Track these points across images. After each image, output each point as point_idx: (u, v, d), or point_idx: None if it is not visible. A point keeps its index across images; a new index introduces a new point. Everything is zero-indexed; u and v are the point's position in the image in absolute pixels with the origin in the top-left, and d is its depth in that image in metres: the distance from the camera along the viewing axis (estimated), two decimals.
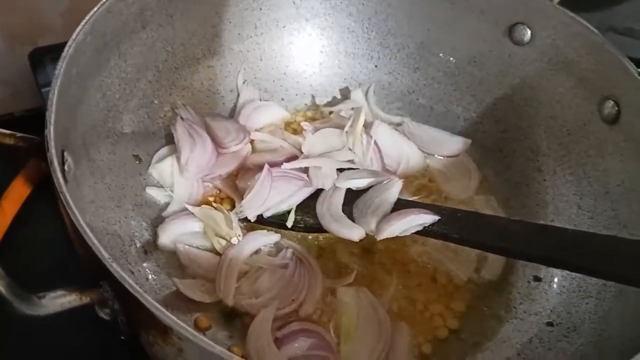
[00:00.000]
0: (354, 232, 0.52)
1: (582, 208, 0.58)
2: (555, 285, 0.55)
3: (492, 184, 0.63)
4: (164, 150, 0.60)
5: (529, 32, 0.61)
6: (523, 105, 0.63)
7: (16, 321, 0.35)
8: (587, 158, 0.58)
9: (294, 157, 0.60)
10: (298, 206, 0.56)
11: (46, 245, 0.59)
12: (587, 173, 0.58)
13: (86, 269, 0.40)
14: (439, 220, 0.51)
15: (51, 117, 0.42)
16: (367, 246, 0.56)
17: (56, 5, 0.72)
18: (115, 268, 0.36)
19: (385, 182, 0.56)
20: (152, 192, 0.57)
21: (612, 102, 0.56)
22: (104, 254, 0.36)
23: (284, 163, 0.57)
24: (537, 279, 0.56)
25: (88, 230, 0.37)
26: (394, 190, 0.54)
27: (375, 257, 0.57)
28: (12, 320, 0.34)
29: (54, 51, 0.70)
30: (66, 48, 0.47)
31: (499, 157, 0.64)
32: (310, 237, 0.57)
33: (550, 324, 0.53)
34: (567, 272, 0.54)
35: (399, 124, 0.67)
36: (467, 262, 0.57)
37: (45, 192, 0.61)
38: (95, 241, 0.36)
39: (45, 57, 0.70)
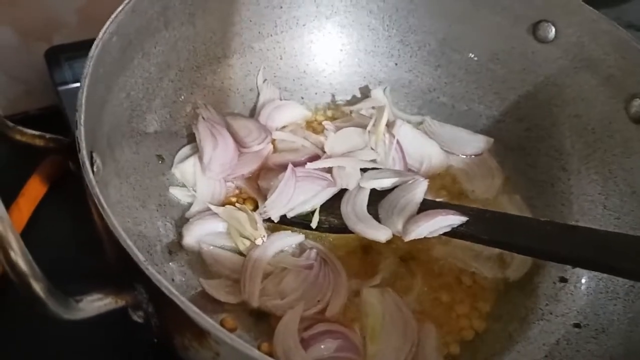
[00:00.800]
0: (381, 233, 0.52)
1: (607, 208, 0.57)
2: (582, 286, 0.55)
3: (515, 183, 0.63)
4: (186, 150, 0.60)
5: (553, 29, 0.60)
6: (547, 104, 0.63)
7: (51, 323, 0.35)
8: (612, 157, 0.58)
9: (316, 157, 0.60)
10: (322, 206, 0.55)
11: (60, 245, 0.58)
12: (613, 172, 0.58)
13: (116, 271, 0.40)
14: (466, 221, 0.51)
15: (81, 117, 0.42)
16: (392, 247, 0.56)
17: (71, 2, 0.72)
18: (151, 271, 0.35)
19: (410, 182, 0.55)
20: (175, 192, 0.57)
21: (639, 101, 0.55)
22: (139, 257, 0.36)
23: (308, 163, 0.57)
24: (563, 279, 0.56)
25: (123, 233, 0.36)
26: (419, 190, 0.54)
27: (400, 258, 0.56)
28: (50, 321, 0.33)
29: (70, 49, 0.71)
30: (93, 47, 0.46)
31: (523, 156, 0.64)
32: (335, 237, 0.56)
33: (577, 325, 0.52)
34: (594, 272, 0.54)
35: (419, 123, 0.66)
36: (491, 262, 0.57)
37: (54, 192, 0.61)
38: (131, 244, 0.36)
39: (61, 55, 0.70)
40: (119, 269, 0.39)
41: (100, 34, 0.48)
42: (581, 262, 0.48)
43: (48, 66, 0.68)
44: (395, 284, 0.55)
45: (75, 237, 0.59)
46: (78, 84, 0.62)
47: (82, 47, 0.67)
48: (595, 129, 0.59)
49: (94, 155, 0.44)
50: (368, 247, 0.56)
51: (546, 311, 0.54)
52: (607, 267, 0.46)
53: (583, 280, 0.55)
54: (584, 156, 0.60)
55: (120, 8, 0.50)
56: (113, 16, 0.49)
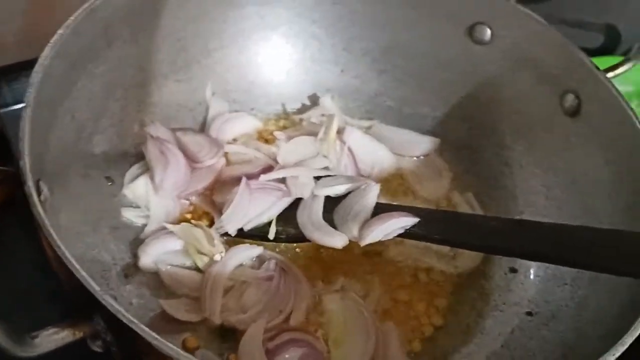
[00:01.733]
0: (337, 239, 0.53)
1: (550, 199, 0.60)
2: (531, 276, 0.57)
3: (463, 180, 0.65)
4: (135, 169, 0.59)
5: (488, 31, 0.63)
6: (487, 103, 0.65)
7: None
8: (551, 150, 0.61)
9: (269, 168, 0.60)
10: (278, 217, 0.56)
11: (12, 277, 0.56)
12: (552, 165, 0.61)
13: (72, 301, 0.40)
14: (418, 222, 0.53)
15: (25, 147, 0.41)
16: (349, 252, 0.57)
17: (8, 23, 0.70)
18: (108, 300, 0.35)
19: (362, 187, 0.56)
20: (128, 214, 0.56)
21: (572, 96, 0.58)
22: (94, 287, 0.35)
23: (262, 175, 0.57)
24: (513, 270, 0.58)
25: (76, 263, 0.36)
26: (372, 194, 0.55)
27: (358, 262, 0.58)
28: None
29: (10, 72, 0.69)
30: (34, 73, 0.45)
31: (468, 154, 0.66)
32: (293, 246, 0.57)
33: (529, 313, 0.55)
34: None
35: (369, 127, 0.68)
36: (443, 257, 0.59)
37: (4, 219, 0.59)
38: (84, 274, 0.36)
39: (0, 77, 0.68)
40: (74, 299, 0.38)
41: (41, 58, 0.47)
42: (529, 255, 0.50)
43: None
44: (355, 288, 0.56)
45: (29, 267, 0.57)
46: (20, 105, 0.61)
47: (22, 68, 0.66)
48: (534, 124, 0.62)
49: (41, 183, 0.43)
50: (326, 254, 0.57)
51: (499, 302, 0.57)
52: (553, 258, 0.48)
53: (532, 270, 0.58)
54: (524, 151, 0.63)
55: (60, 31, 0.49)
56: (54, 39, 0.48)
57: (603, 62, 0.60)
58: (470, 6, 0.62)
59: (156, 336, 0.34)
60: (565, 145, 0.59)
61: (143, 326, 0.34)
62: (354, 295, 0.54)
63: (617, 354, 0.39)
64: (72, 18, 0.50)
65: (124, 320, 0.34)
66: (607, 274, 0.48)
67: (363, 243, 0.52)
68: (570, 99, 0.58)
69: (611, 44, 0.90)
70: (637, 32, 0.89)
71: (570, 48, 0.58)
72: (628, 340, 0.40)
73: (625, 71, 0.60)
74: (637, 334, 0.41)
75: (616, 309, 0.47)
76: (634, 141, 0.53)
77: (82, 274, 0.35)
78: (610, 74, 0.58)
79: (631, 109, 0.54)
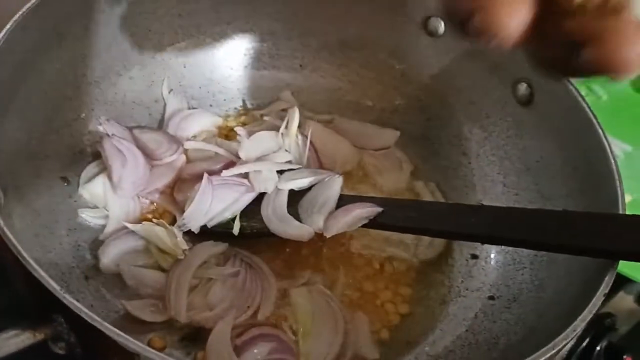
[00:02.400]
0: (303, 232, 0.53)
1: (507, 186, 0.62)
2: (491, 261, 0.59)
3: (423, 171, 0.66)
4: (91, 168, 0.58)
5: (442, 23, 0.64)
6: (443, 94, 0.66)
7: None
8: (507, 139, 0.63)
9: (230, 164, 0.60)
10: (242, 212, 0.55)
11: None
12: (508, 153, 0.63)
13: (30, 303, 0.38)
14: (382, 211, 0.53)
15: None
16: (315, 244, 0.57)
17: None
18: (69, 299, 0.34)
19: (326, 179, 0.57)
20: (86, 215, 0.55)
21: (524, 85, 0.60)
22: (55, 286, 0.34)
23: (224, 170, 0.56)
24: (474, 256, 0.60)
25: (35, 264, 0.35)
26: (335, 186, 0.56)
27: (322, 254, 0.58)
28: None
29: None
30: None
31: (427, 145, 0.67)
32: (259, 241, 0.57)
33: (491, 297, 0.56)
34: (502, 247, 0.58)
35: (329, 121, 0.68)
36: (406, 247, 0.59)
37: None
38: (44, 274, 0.34)
39: None
40: (33, 301, 0.37)
41: None
42: (488, 239, 0.51)
43: None
44: (321, 280, 0.56)
45: None
46: None
47: None
48: (488, 113, 0.64)
49: None
50: (291, 249, 0.57)
51: (462, 288, 0.58)
52: (509, 240, 0.50)
53: (492, 255, 0.59)
54: (481, 140, 0.64)
55: (8, 26, 0.47)
56: (1, 35, 0.46)
57: None
58: None
59: (120, 333, 0.33)
60: (519, 133, 0.61)
61: (106, 324, 0.33)
62: (320, 287, 0.55)
63: (577, 331, 0.41)
64: (19, 13, 0.48)
65: (87, 319, 0.33)
66: (563, 256, 0.50)
67: (329, 234, 0.52)
68: (522, 88, 0.60)
69: None
70: None
71: None
72: (586, 316, 0.42)
73: None
74: (593, 311, 0.42)
75: (573, 289, 0.49)
76: (585, 127, 0.54)
77: (42, 273, 0.34)
78: None
79: (581, 95, 0.56)
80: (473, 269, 0.59)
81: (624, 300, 0.70)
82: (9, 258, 0.36)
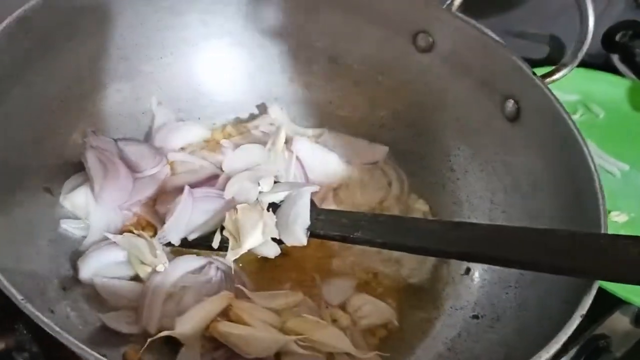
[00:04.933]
0: (269, 250, 0.53)
1: (494, 203, 0.61)
2: (477, 279, 0.58)
3: (411, 186, 0.66)
4: (74, 179, 0.58)
5: (430, 39, 0.64)
6: (431, 109, 0.66)
7: None
8: (494, 155, 0.62)
9: (214, 176, 0.60)
10: (223, 226, 0.55)
11: None
12: (495, 169, 0.62)
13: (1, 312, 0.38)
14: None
15: None
16: (295, 260, 0.57)
17: None
18: (30, 309, 0.34)
19: (294, 192, 0.56)
20: (67, 225, 0.55)
21: (512, 101, 0.59)
22: (16, 295, 0.34)
23: (206, 187, 0.56)
24: (465, 272, 0.59)
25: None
26: (305, 197, 0.55)
27: (303, 271, 0.57)
28: None
29: None
30: None
31: (415, 160, 0.67)
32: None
33: (475, 316, 0.55)
34: (487, 265, 0.57)
35: (319, 136, 0.68)
36: (390, 263, 0.59)
37: None
38: (6, 282, 0.34)
39: None
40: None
41: None
42: (468, 256, 0.51)
43: None
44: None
45: None
46: None
47: None
48: (476, 130, 0.63)
49: None
50: (273, 261, 0.56)
51: (447, 306, 0.57)
52: (491, 258, 0.49)
53: (477, 274, 0.58)
54: (468, 156, 0.64)
55: None
56: None
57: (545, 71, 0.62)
58: (413, 15, 0.63)
59: (80, 344, 0.33)
60: (507, 149, 0.61)
61: (67, 335, 0.33)
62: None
63: (551, 352, 0.40)
64: (3, 25, 0.49)
65: (47, 329, 0.33)
66: (547, 275, 0.49)
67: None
68: (510, 105, 0.60)
69: (557, 54, 0.93)
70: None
71: (508, 55, 0.59)
72: (561, 337, 0.41)
73: (563, 76, 0.62)
74: (569, 333, 0.41)
75: (554, 309, 0.48)
76: (570, 145, 0.54)
77: (3, 281, 0.34)
78: (548, 80, 0.60)
79: (567, 112, 0.55)
80: (458, 287, 0.58)
81: (620, 322, 0.68)
82: None
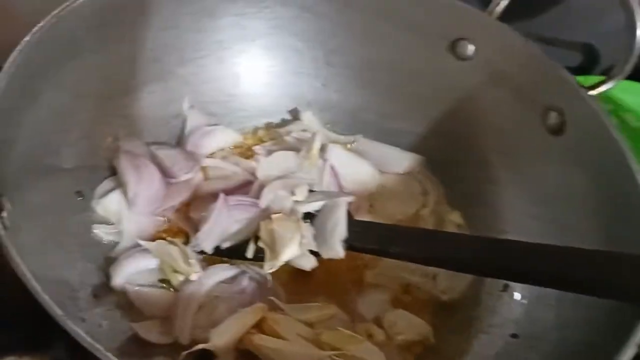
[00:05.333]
0: (306, 262, 0.51)
1: (533, 217, 0.59)
2: (517, 297, 0.56)
3: (446, 198, 0.64)
4: (107, 183, 0.57)
5: (469, 47, 0.62)
6: (469, 119, 0.64)
7: None
8: (535, 168, 0.60)
9: (247, 183, 0.59)
10: (257, 235, 0.54)
11: None
12: (535, 183, 0.60)
13: (31, 326, 0.37)
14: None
15: None
16: (330, 272, 0.56)
17: None
18: (71, 325, 0.33)
19: (329, 203, 0.54)
20: (99, 230, 0.54)
21: (555, 113, 0.57)
22: (57, 311, 0.33)
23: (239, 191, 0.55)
24: (504, 288, 0.57)
25: (38, 286, 0.33)
26: (341, 209, 0.53)
27: (338, 282, 0.56)
28: None
29: None
30: None
31: (451, 171, 0.65)
32: None
33: (515, 335, 0.54)
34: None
35: (351, 142, 0.66)
36: (426, 277, 0.57)
37: None
38: (47, 297, 0.33)
39: None
40: (34, 324, 0.35)
41: (5, 67, 0.45)
42: (509, 275, 0.49)
43: None
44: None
45: None
46: None
47: None
48: (517, 141, 0.61)
49: (3, 199, 0.41)
50: (305, 271, 0.55)
51: (485, 324, 0.55)
52: (532, 279, 0.47)
53: (517, 292, 0.56)
54: (508, 168, 0.62)
55: (27, 38, 0.47)
56: (19, 48, 0.46)
57: (585, 81, 0.60)
58: (452, 22, 0.62)
59: None
60: (549, 163, 0.59)
61: (108, 354, 0.32)
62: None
63: None
64: (38, 26, 0.48)
65: (87, 347, 0.32)
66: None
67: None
68: (553, 117, 0.58)
69: (589, 63, 0.91)
70: (614, 51, 0.90)
71: (553, 65, 0.57)
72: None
73: (608, 90, 0.60)
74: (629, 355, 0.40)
75: (601, 334, 0.46)
76: (617, 160, 0.52)
77: (44, 297, 0.33)
78: (594, 92, 0.58)
79: (614, 127, 0.53)
80: (497, 304, 0.56)
81: None
82: (14, 279, 0.34)
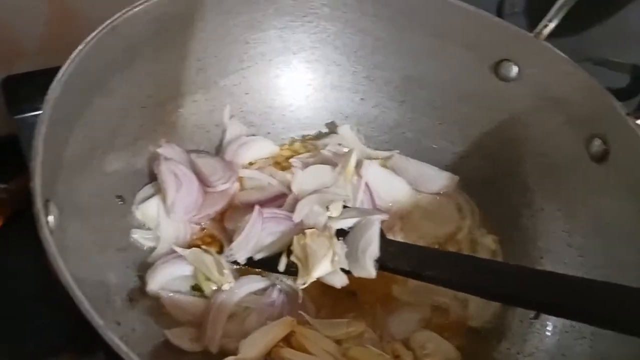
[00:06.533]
0: (337, 279, 0.51)
1: (571, 246, 0.58)
2: (549, 327, 0.55)
3: (481, 220, 0.63)
4: (147, 189, 0.58)
5: (515, 68, 0.61)
6: (511, 141, 0.63)
7: None
8: (575, 195, 0.59)
9: (282, 195, 0.59)
10: (289, 249, 0.54)
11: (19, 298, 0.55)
12: (575, 210, 0.59)
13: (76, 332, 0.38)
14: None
15: (36, 167, 0.40)
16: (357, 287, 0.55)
17: (32, 29, 0.70)
18: (110, 336, 0.34)
19: (362, 221, 0.54)
20: (137, 235, 0.55)
21: (600, 141, 0.56)
22: (98, 322, 0.34)
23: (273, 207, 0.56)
24: (531, 319, 0.56)
25: (81, 296, 0.35)
26: (374, 227, 0.53)
27: (367, 301, 0.56)
28: None
29: (28, 79, 0.69)
30: (51, 90, 0.45)
31: (488, 193, 0.64)
32: None
33: None
34: None
35: (387, 158, 0.66)
36: (456, 300, 0.57)
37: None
38: (89, 307, 0.34)
39: (18, 84, 0.68)
40: (78, 328, 0.37)
41: (59, 73, 0.46)
42: (544, 308, 0.48)
43: (5, 96, 0.66)
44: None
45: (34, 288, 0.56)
46: (35, 113, 0.60)
47: (41, 75, 0.65)
48: (558, 167, 0.60)
49: (51, 204, 0.42)
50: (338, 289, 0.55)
51: (513, 351, 0.55)
52: (570, 314, 0.47)
53: (550, 321, 0.55)
54: (547, 193, 0.61)
55: (80, 46, 0.48)
56: (73, 54, 0.47)
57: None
58: (497, 41, 0.61)
59: None
60: (590, 191, 0.57)
61: None
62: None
63: None
64: (93, 34, 0.49)
65: (124, 357, 0.33)
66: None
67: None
68: (597, 144, 0.56)
69: (636, 85, 0.88)
70: None
71: (600, 90, 0.56)
72: None
73: None
74: None
75: None
76: None
77: (87, 306, 0.34)
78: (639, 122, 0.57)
79: None
80: (528, 332, 0.56)
81: None
82: (60, 287, 0.36)
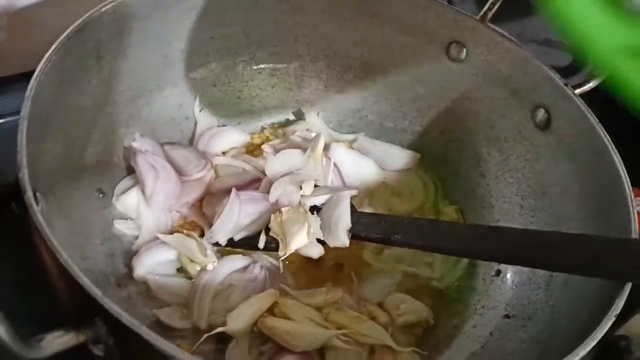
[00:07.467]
0: (314, 250, 0.56)
1: (524, 208, 0.64)
2: (508, 281, 0.61)
3: (443, 192, 0.68)
4: (125, 182, 0.61)
5: (464, 50, 0.66)
6: (464, 117, 0.68)
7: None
8: (524, 162, 0.64)
9: (257, 180, 0.63)
10: (267, 227, 0.58)
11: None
12: (525, 176, 0.64)
13: (72, 307, 0.41)
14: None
15: (23, 159, 0.43)
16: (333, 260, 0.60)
17: None
18: (109, 304, 0.37)
19: (334, 197, 0.58)
20: (120, 226, 0.58)
21: (542, 110, 0.62)
22: (97, 292, 0.37)
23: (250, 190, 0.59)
24: (497, 273, 0.61)
25: (78, 270, 0.37)
26: (345, 200, 0.57)
27: (343, 268, 0.60)
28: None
29: None
30: (29, 89, 0.47)
31: (446, 167, 0.69)
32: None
33: (507, 316, 0.58)
34: (518, 267, 0.60)
35: (353, 141, 0.71)
36: (423, 264, 0.62)
37: None
38: (87, 280, 0.37)
39: None
40: (75, 305, 0.39)
41: (36, 73, 0.48)
42: (503, 259, 0.54)
43: None
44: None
45: (18, 277, 0.58)
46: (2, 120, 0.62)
47: (3, 83, 0.67)
48: (507, 137, 0.65)
49: (38, 194, 0.45)
50: (314, 264, 0.59)
51: (479, 306, 0.60)
52: (525, 261, 0.52)
53: (509, 275, 0.61)
54: (499, 162, 0.66)
55: (53, 47, 0.50)
56: (47, 55, 0.50)
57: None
58: (447, 26, 0.66)
59: (157, 337, 0.35)
60: (537, 157, 0.63)
61: (145, 328, 0.36)
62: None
63: (588, 349, 0.42)
64: (62, 36, 0.52)
65: (126, 323, 0.36)
66: (577, 278, 0.52)
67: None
68: (540, 114, 0.62)
69: (579, 62, 0.94)
70: None
71: (540, 66, 0.61)
72: (597, 335, 0.43)
73: (594, 87, 0.64)
74: (605, 331, 0.44)
75: (586, 310, 0.50)
76: (600, 153, 0.56)
77: (85, 280, 0.37)
78: (579, 90, 0.62)
79: (597, 121, 0.57)
80: (490, 288, 0.61)
81: None
82: (55, 265, 0.38)
